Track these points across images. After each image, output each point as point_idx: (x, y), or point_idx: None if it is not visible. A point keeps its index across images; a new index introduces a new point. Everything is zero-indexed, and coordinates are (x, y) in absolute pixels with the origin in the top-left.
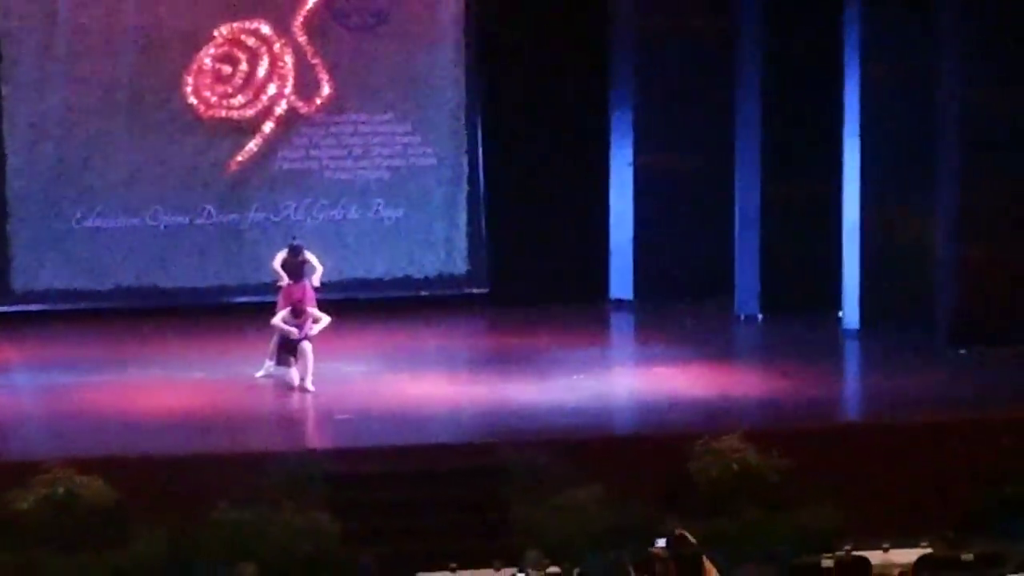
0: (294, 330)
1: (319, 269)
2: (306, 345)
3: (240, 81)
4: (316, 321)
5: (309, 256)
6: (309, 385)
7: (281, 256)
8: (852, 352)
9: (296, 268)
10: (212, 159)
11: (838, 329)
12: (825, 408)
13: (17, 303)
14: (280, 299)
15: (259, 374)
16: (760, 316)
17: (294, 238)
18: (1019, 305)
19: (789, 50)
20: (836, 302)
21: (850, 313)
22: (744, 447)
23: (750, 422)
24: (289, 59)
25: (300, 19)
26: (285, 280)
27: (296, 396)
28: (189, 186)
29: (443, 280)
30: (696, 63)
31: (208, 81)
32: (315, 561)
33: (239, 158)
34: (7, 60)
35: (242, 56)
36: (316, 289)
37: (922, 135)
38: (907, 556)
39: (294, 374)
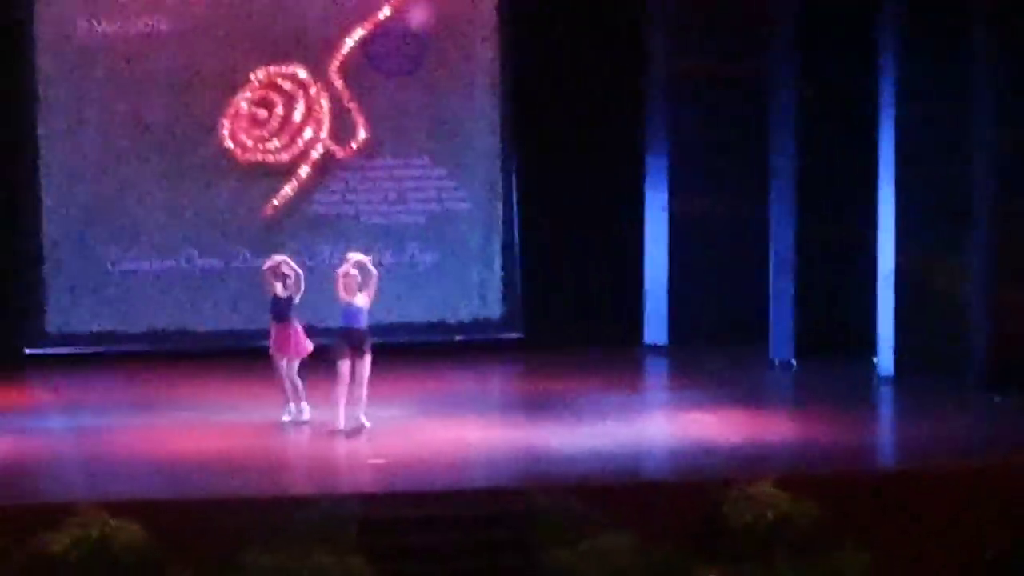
0: (279, 285)
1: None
2: (297, 379)
3: (276, 125)
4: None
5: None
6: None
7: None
8: (886, 398)
9: (284, 305)
10: (247, 203)
11: (872, 375)
12: (859, 454)
13: (51, 345)
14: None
15: (285, 419)
16: (794, 361)
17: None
18: None
19: (824, 94)
20: (871, 347)
21: (884, 358)
22: (777, 493)
23: (784, 468)
24: (325, 103)
25: (336, 64)
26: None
27: (330, 440)
28: (224, 230)
29: (477, 325)
30: (730, 108)
31: (244, 125)
32: None
33: (274, 202)
34: (44, 103)
35: (278, 100)
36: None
37: (957, 179)
38: None
39: (305, 408)
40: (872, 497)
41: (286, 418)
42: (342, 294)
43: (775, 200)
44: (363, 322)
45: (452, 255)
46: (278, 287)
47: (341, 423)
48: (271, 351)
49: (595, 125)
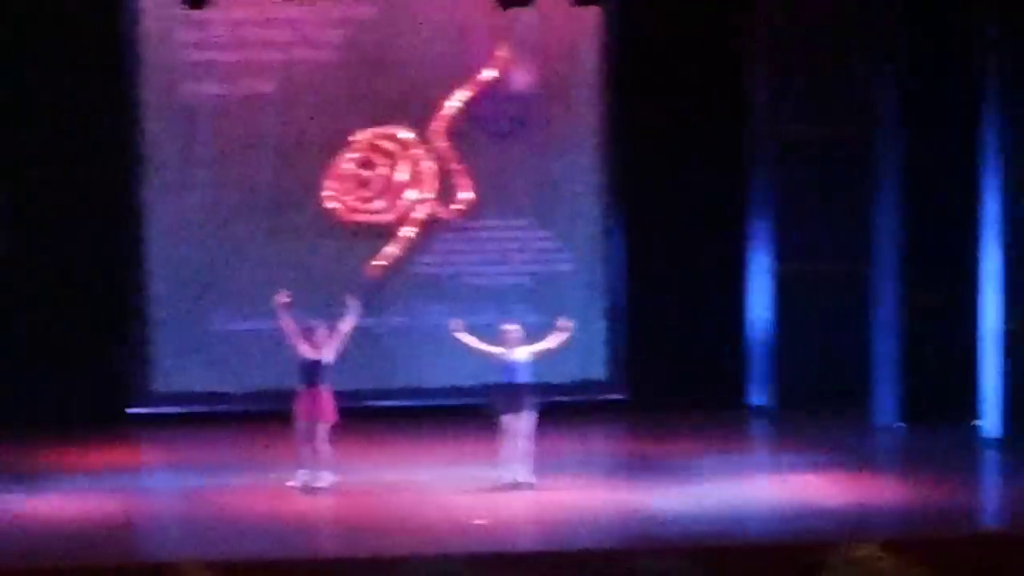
0: (307, 346)
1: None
2: (326, 446)
3: (380, 186)
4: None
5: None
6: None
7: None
8: (992, 461)
9: (313, 369)
10: (351, 263)
11: (978, 438)
12: (964, 517)
13: (157, 405)
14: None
15: (291, 483)
16: (899, 424)
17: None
18: None
19: (928, 155)
20: (976, 410)
21: (990, 420)
22: (882, 556)
23: (888, 531)
24: (429, 164)
25: (440, 125)
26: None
27: (432, 502)
28: (328, 290)
29: (581, 386)
30: (834, 169)
31: (347, 185)
32: None
33: (378, 262)
34: (149, 163)
35: (382, 161)
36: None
37: None
38: None
39: (326, 476)
40: (979, 561)
41: (293, 483)
42: (498, 350)
43: (879, 261)
44: (523, 377)
45: (555, 316)
46: (305, 348)
47: (508, 478)
48: (297, 416)
49: (699, 186)
